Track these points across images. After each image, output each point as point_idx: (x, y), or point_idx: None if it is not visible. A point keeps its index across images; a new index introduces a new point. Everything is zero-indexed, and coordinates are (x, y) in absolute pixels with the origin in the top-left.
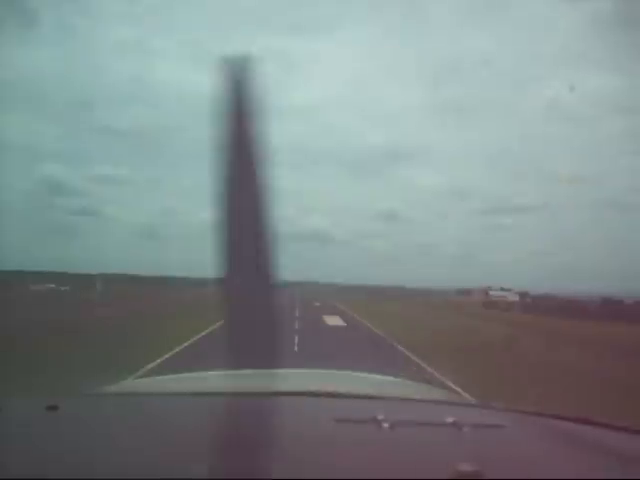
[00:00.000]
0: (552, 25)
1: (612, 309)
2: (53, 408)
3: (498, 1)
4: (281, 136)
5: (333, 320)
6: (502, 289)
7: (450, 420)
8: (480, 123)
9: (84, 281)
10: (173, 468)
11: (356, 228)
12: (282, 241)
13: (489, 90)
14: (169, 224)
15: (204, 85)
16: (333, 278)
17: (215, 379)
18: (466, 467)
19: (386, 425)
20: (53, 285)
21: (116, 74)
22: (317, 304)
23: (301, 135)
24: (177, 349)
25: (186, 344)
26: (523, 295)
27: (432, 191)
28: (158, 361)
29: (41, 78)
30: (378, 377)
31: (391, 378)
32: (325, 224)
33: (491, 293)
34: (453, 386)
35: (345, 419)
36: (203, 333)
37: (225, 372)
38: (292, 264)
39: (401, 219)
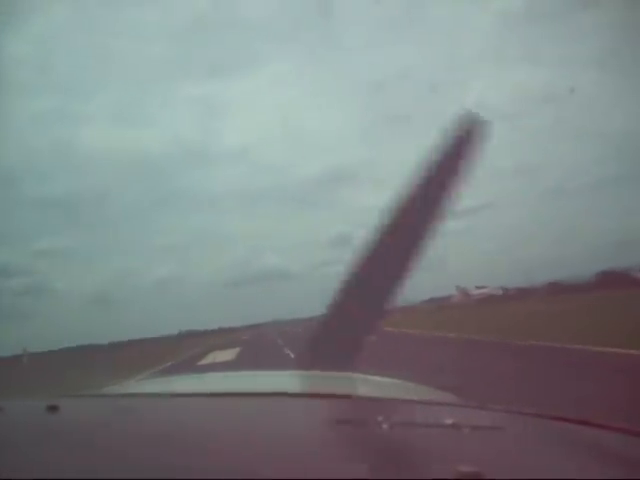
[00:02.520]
0: (466, 28)
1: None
2: (53, 409)
3: (410, 14)
4: (219, 182)
5: None
6: (477, 287)
7: (450, 421)
8: (414, 134)
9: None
10: (173, 468)
11: (311, 259)
12: (236, 286)
13: (417, 100)
14: (119, 287)
15: (130, 143)
16: (297, 313)
17: (215, 380)
18: (466, 468)
19: (386, 426)
20: None
21: (40, 144)
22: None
23: (238, 178)
24: None
25: None
26: (504, 289)
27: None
28: None
29: None
30: (378, 378)
31: (391, 379)
32: (279, 261)
33: (472, 292)
34: None
35: (345, 420)
36: None
37: (225, 373)
38: (251, 307)
39: (353, 242)
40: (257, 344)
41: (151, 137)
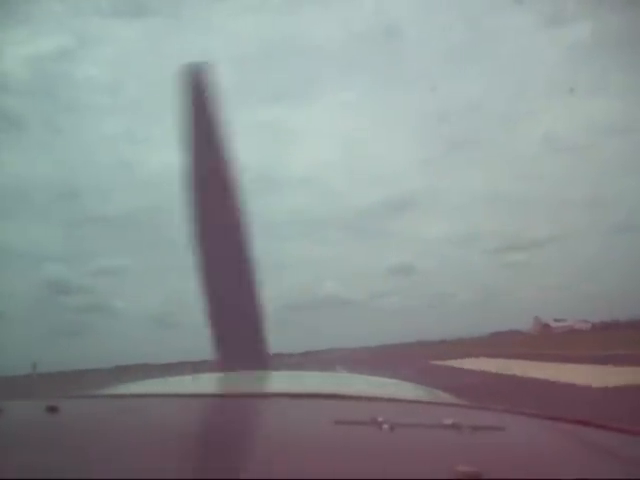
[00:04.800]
0: (534, 58)
1: None
2: (53, 409)
3: (480, 47)
4: (280, 209)
5: None
6: (555, 320)
7: (449, 422)
8: (479, 165)
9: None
10: (173, 469)
11: (370, 288)
12: (298, 310)
13: (483, 131)
14: (177, 307)
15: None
16: (352, 341)
17: (214, 381)
18: (466, 468)
19: (386, 427)
20: None
21: (105, 164)
22: None
23: (300, 204)
24: None
25: None
26: (586, 322)
27: (441, 238)
28: None
29: (31, 180)
30: (377, 379)
31: (390, 380)
32: (337, 289)
33: (553, 325)
34: None
35: (344, 421)
36: None
37: (224, 374)
38: (310, 332)
39: (414, 271)
40: None
41: None
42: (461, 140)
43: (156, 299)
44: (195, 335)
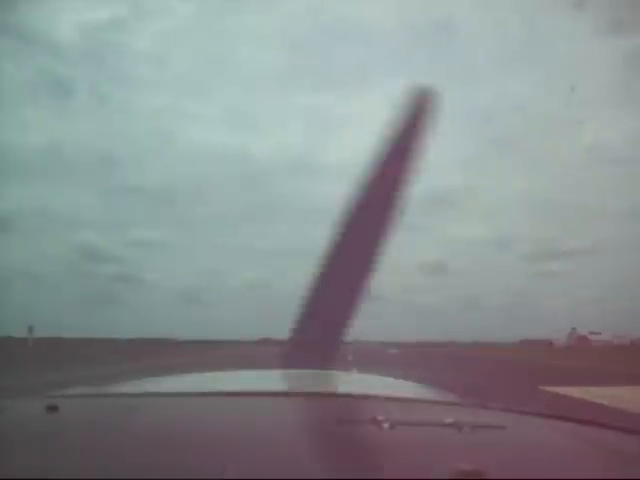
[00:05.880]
0: (588, 64)
1: None
2: (53, 409)
3: (534, 48)
4: (317, 195)
5: None
6: (591, 333)
7: (450, 420)
8: (521, 168)
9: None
10: (173, 468)
11: (400, 282)
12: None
13: (528, 135)
14: (210, 286)
15: (233, 145)
16: (379, 336)
17: (215, 379)
18: (466, 468)
19: (386, 425)
20: None
21: (147, 137)
22: None
23: (336, 193)
24: None
25: None
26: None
27: (475, 239)
28: None
29: (73, 146)
30: (378, 378)
31: (391, 379)
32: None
33: (590, 337)
34: None
35: (345, 419)
36: None
37: (225, 373)
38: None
39: (445, 270)
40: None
41: (255, 142)
42: (505, 141)
43: (186, 275)
44: (221, 315)
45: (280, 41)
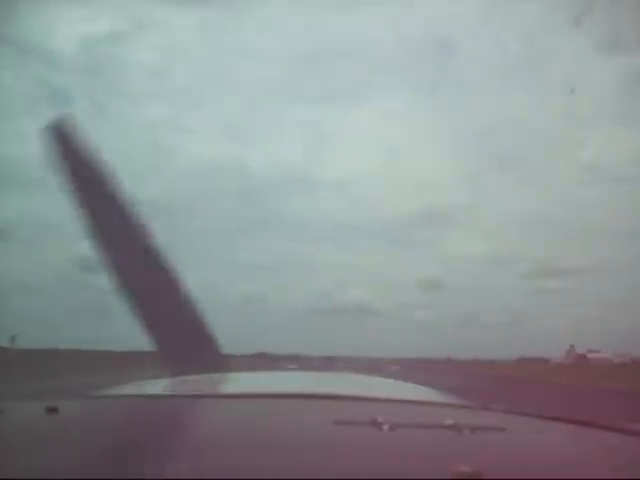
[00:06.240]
0: (588, 83)
1: None
2: (53, 410)
3: (533, 66)
4: (314, 211)
5: None
6: (589, 351)
7: (450, 422)
8: (521, 185)
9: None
10: (173, 469)
11: (397, 299)
12: (321, 316)
13: (529, 153)
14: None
15: (230, 159)
16: (374, 352)
17: (213, 381)
18: (466, 468)
19: (385, 427)
20: None
21: (142, 149)
22: None
23: (333, 208)
24: None
25: None
26: (622, 356)
27: (474, 256)
28: None
29: None
30: (377, 379)
31: (390, 380)
32: (363, 297)
33: (589, 356)
34: None
35: (344, 421)
36: None
37: (223, 375)
38: (332, 338)
39: (443, 287)
40: None
41: (252, 156)
42: (505, 159)
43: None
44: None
45: (279, 56)
